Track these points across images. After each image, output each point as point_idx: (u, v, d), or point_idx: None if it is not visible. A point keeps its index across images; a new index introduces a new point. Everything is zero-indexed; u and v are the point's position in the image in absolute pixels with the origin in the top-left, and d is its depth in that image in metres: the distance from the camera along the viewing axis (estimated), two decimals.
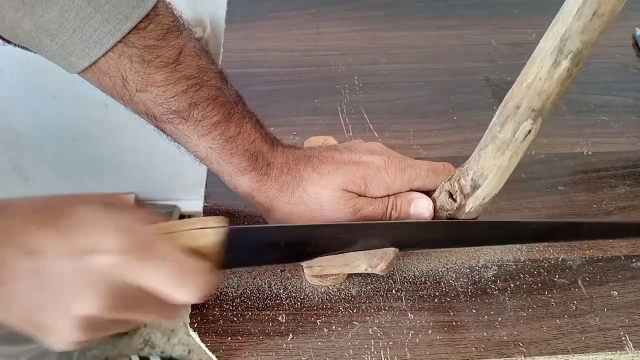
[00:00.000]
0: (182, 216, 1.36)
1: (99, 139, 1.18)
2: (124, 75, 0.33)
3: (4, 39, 0.33)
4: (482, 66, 0.60)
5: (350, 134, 0.52)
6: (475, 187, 0.36)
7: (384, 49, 0.62)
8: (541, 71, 0.31)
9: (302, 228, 0.37)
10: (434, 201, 0.38)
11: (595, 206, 0.47)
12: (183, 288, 0.29)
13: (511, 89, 0.33)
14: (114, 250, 0.27)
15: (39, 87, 1.05)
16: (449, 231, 0.39)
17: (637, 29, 0.64)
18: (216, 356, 0.37)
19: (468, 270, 0.42)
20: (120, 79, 0.33)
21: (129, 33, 0.32)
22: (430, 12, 0.67)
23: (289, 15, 0.66)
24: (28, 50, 0.34)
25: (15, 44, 0.34)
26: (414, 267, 0.42)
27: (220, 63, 0.59)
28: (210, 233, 0.33)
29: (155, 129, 0.37)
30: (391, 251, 0.38)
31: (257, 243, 0.36)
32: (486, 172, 0.35)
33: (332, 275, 0.39)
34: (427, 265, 0.42)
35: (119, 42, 0.32)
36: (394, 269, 0.42)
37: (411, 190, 0.39)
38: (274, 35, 0.63)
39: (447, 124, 0.54)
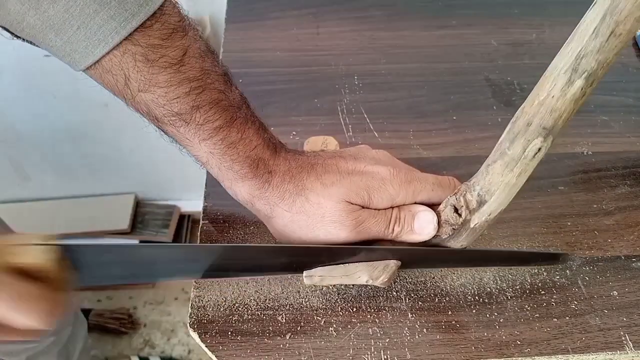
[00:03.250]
0: (182, 216, 1.36)
1: (99, 139, 1.18)
2: (126, 74, 0.33)
3: (12, 33, 0.33)
4: (482, 66, 0.60)
5: (350, 133, 0.52)
6: (481, 203, 0.35)
7: (384, 49, 0.62)
8: (554, 89, 0.30)
9: (144, 248, 0.35)
10: (438, 215, 0.38)
11: (595, 206, 0.47)
12: (24, 314, 0.29)
13: (522, 106, 0.32)
14: None
15: (39, 87, 1.05)
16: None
17: None
18: (216, 356, 0.37)
19: (468, 270, 0.42)
20: (123, 77, 0.33)
21: (135, 30, 0.32)
22: (430, 12, 0.67)
23: (289, 15, 0.66)
24: (35, 45, 0.34)
25: (23, 39, 0.33)
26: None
27: None
28: (36, 250, 0.30)
29: (156, 129, 0.37)
30: (393, 263, 0.37)
31: (104, 261, 0.34)
32: (493, 189, 0.35)
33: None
34: None
35: (124, 39, 0.31)
36: None
37: (415, 203, 0.39)
38: (274, 35, 0.63)
39: (447, 124, 0.54)
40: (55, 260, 0.31)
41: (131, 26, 0.31)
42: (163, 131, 0.37)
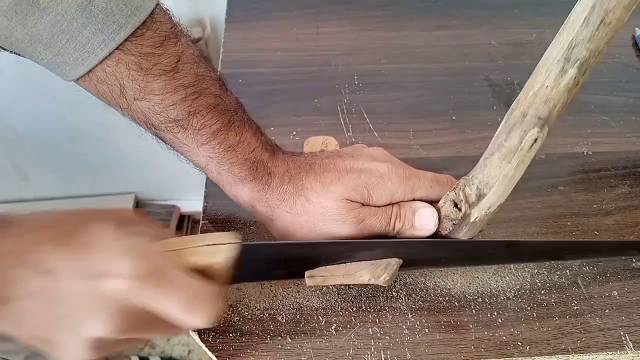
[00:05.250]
0: (182, 216, 1.36)
1: (99, 139, 1.18)
2: (121, 83, 0.33)
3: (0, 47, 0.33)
4: (482, 66, 0.60)
5: (350, 133, 0.52)
6: (480, 197, 0.35)
7: (384, 49, 0.62)
8: (548, 79, 0.31)
9: (310, 245, 0.37)
10: (438, 211, 0.38)
11: (595, 206, 0.47)
12: (195, 314, 0.29)
13: (517, 97, 0.33)
14: (127, 275, 0.28)
15: (39, 87, 1.05)
16: (455, 250, 0.39)
17: (637, 29, 0.64)
18: (216, 356, 0.37)
19: (468, 269, 0.42)
20: (118, 87, 0.33)
21: (125, 40, 0.31)
22: (430, 12, 0.67)
23: (289, 15, 0.66)
24: (24, 57, 0.34)
25: (10, 51, 0.33)
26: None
27: (220, 63, 0.59)
28: (222, 250, 0.32)
29: (154, 137, 0.37)
30: (394, 262, 0.37)
31: (267, 259, 0.36)
32: (492, 181, 0.35)
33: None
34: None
35: (115, 49, 0.31)
36: None
37: (414, 199, 0.39)
38: (274, 35, 0.63)
39: (447, 124, 0.54)
40: (232, 259, 0.32)
41: (119, 38, 0.31)
42: (160, 138, 0.37)
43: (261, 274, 0.39)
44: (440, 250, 0.40)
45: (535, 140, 0.32)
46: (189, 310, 0.29)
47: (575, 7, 0.29)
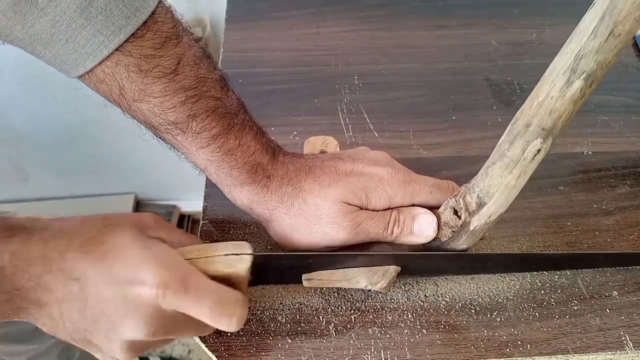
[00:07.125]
0: (182, 216, 1.36)
1: (99, 139, 1.18)
2: (120, 84, 0.33)
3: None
4: (482, 66, 0.60)
5: (350, 133, 0.52)
6: (480, 205, 0.35)
7: (384, 49, 0.62)
8: (553, 90, 0.30)
9: (321, 256, 0.38)
10: (438, 217, 0.37)
11: (595, 206, 0.47)
12: (223, 319, 0.31)
13: (522, 107, 0.32)
14: (152, 284, 0.29)
15: (39, 87, 1.05)
16: (455, 262, 0.40)
17: None
18: (216, 356, 0.37)
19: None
20: (117, 87, 0.33)
21: (125, 42, 0.31)
22: (430, 12, 0.67)
23: (289, 15, 0.65)
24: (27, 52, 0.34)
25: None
26: None
27: (220, 63, 0.59)
28: (244, 259, 0.33)
29: (154, 137, 0.37)
30: (392, 269, 0.37)
31: (278, 267, 0.38)
32: (492, 190, 0.34)
33: None
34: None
35: (114, 50, 0.31)
36: None
37: (413, 205, 0.38)
38: (274, 35, 0.63)
39: (447, 124, 0.54)
40: (247, 268, 0.33)
41: (119, 39, 0.31)
42: (160, 139, 0.37)
43: (269, 280, 0.40)
44: (440, 261, 0.40)
45: (539, 151, 0.32)
46: (217, 315, 0.30)
47: (584, 17, 0.29)
